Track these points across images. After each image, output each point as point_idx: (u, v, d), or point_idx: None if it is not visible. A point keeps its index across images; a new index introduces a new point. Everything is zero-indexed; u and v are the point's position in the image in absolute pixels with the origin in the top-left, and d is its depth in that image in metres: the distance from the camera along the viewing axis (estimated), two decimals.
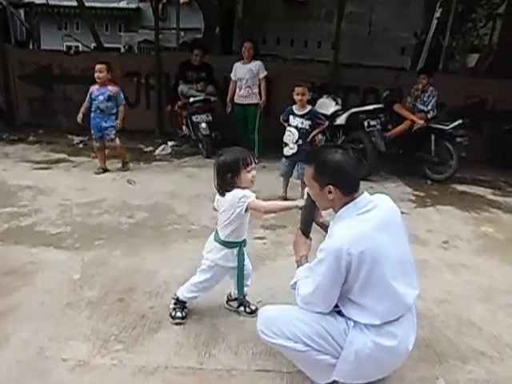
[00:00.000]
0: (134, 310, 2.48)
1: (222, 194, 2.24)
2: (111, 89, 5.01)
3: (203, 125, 6.07)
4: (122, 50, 14.82)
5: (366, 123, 5.60)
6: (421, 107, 5.86)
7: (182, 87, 6.29)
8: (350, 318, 1.80)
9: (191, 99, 6.09)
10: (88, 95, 5.03)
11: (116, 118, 5.07)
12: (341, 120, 5.78)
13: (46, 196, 4.30)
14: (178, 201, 4.33)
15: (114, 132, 5.09)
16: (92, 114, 5.03)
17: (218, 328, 2.36)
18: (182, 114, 6.47)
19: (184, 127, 6.56)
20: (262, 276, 2.81)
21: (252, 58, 5.90)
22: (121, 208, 4.07)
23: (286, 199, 4.48)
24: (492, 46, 9.39)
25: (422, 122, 5.69)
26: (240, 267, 2.32)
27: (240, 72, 5.93)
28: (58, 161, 5.69)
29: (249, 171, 2.18)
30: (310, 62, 9.19)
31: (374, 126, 5.63)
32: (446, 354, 2.28)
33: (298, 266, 2.05)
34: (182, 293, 2.40)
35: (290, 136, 4.31)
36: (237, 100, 6.02)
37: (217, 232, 2.32)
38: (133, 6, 17.94)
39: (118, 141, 5.19)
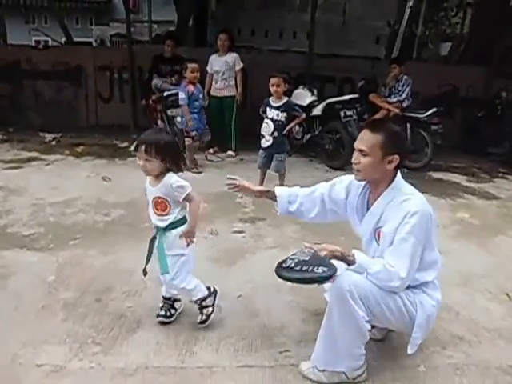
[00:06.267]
0: (112, 310, 2.42)
1: None
2: (200, 87, 5.16)
3: (178, 118, 5.95)
4: (94, 43, 14.50)
5: (342, 113, 5.60)
6: (395, 96, 5.90)
7: (156, 81, 6.19)
8: (409, 286, 1.92)
9: (165, 93, 5.98)
10: (185, 97, 4.97)
11: None
12: (317, 111, 5.78)
13: (18, 196, 4.15)
14: None
15: None
16: (196, 116, 5.07)
17: (197, 325, 2.32)
18: (156, 108, 6.35)
19: (159, 121, 6.43)
20: (242, 270, 2.78)
21: (228, 49, 5.82)
22: (96, 206, 3.97)
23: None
24: (463, 34, 9.55)
25: (397, 110, 5.75)
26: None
27: (216, 64, 5.83)
28: (29, 159, 5.50)
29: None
30: (285, 53, 9.15)
31: (351, 116, 5.63)
32: (426, 340, 2.28)
33: (350, 262, 1.87)
34: (163, 287, 2.37)
35: (267, 128, 4.27)
36: (213, 93, 5.93)
37: None
38: None
39: None
